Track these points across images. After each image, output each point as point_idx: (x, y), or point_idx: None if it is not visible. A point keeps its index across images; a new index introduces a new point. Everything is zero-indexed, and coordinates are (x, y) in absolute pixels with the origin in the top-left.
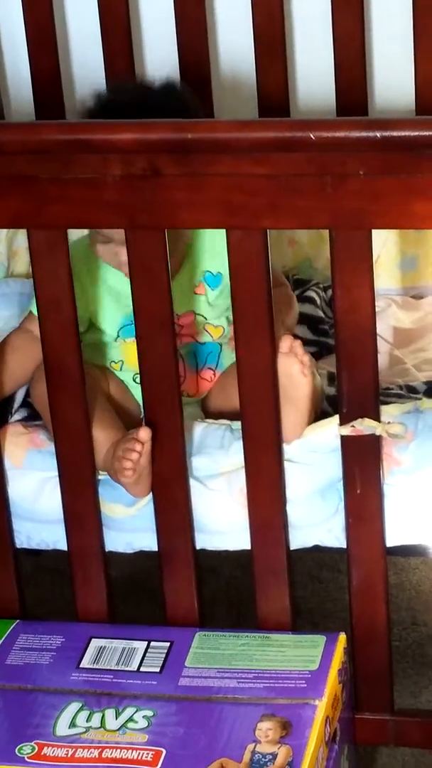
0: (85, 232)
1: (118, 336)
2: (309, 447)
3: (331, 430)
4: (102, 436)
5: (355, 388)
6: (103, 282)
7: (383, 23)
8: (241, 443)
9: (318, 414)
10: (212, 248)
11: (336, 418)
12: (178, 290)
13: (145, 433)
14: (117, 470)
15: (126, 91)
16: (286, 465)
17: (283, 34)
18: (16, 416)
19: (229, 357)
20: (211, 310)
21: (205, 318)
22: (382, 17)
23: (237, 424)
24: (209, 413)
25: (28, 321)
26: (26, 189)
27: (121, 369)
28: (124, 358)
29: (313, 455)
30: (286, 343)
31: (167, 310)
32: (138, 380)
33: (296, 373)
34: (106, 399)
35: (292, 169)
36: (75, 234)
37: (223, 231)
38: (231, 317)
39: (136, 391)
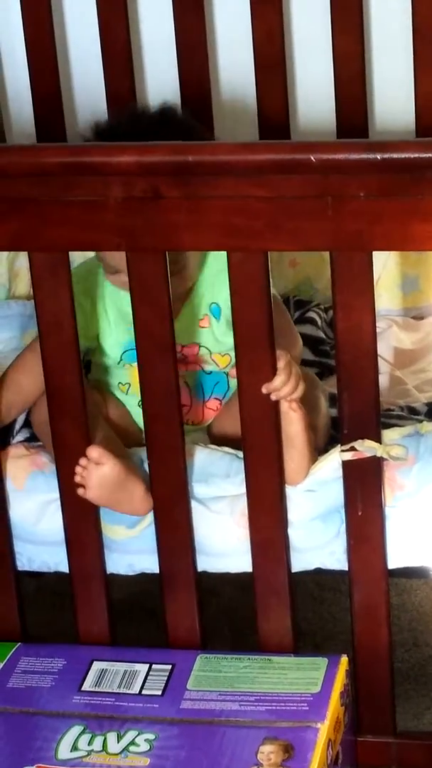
0: (88, 255)
1: (121, 359)
2: (313, 482)
3: (333, 461)
4: None
5: (356, 409)
6: (109, 304)
7: (383, 44)
8: None
9: (323, 446)
10: (218, 280)
11: (337, 450)
12: (183, 321)
13: (93, 452)
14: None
15: (123, 119)
16: (288, 490)
17: (284, 55)
18: (18, 437)
19: (235, 386)
20: (217, 344)
21: (209, 350)
22: (382, 38)
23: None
24: (213, 438)
25: (36, 342)
26: (27, 211)
27: (127, 392)
28: (131, 381)
29: (315, 484)
30: (282, 360)
31: (168, 332)
32: (141, 405)
33: (286, 410)
34: (106, 423)
35: (292, 191)
36: (76, 258)
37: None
38: None
39: (140, 416)
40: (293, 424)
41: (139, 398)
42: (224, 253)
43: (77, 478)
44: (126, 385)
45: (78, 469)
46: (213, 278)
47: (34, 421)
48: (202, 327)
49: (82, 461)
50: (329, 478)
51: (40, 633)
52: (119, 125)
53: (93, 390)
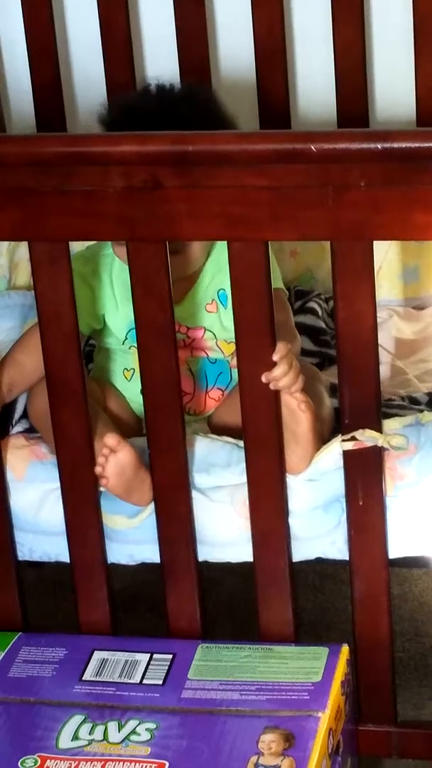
0: (88, 245)
1: (126, 339)
2: (314, 472)
3: (334, 451)
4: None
5: (357, 399)
6: (117, 282)
7: (384, 33)
8: None
9: (327, 437)
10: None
11: (338, 440)
12: (189, 304)
13: (110, 439)
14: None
15: (149, 99)
16: (289, 479)
17: (284, 44)
18: (18, 428)
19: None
20: (223, 331)
21: (214, 335)
22: (383, 27)
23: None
24: (214, 428)
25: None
26: (27, 201)
27: (131, 379)
28: (135, 367)
29: (316, 473)
30: (282, 351)
31: (169, 320)
32: None
33: (295, 408)
34: (104, 413)
35: (292, 180)
36: (75, 248)
37: None
38: None
39: (141, 405)
40: (302, 424)
41: None
42: None
43: (98, 470)
44: (131, 371)
45: (100, 459)
46: (222, 264)
47: (31, 412)
48: (209, 311)
49: (105, 451)
50: (330, 467)
51: (41, 623)
52: (146, 99)
53: (92, 381)
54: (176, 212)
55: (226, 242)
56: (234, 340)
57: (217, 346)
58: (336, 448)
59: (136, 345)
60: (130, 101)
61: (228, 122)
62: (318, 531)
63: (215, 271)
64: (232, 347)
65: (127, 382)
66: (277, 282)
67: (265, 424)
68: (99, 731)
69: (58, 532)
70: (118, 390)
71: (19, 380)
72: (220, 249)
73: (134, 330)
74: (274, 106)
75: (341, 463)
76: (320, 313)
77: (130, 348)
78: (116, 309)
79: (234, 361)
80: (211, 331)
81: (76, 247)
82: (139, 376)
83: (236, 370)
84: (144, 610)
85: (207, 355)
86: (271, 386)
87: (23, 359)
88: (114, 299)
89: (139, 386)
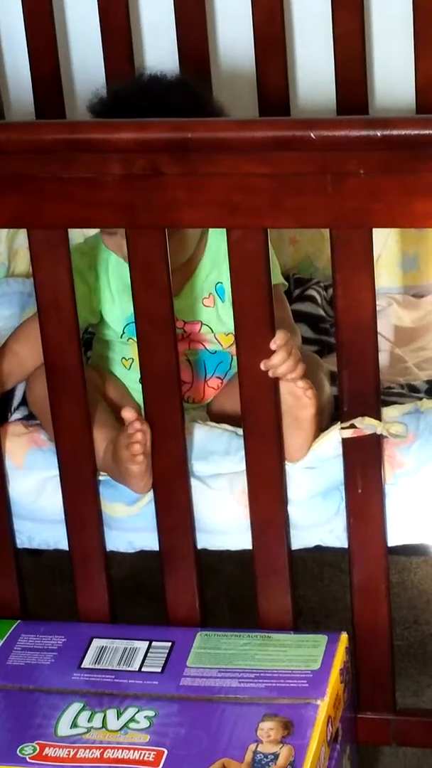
0: (87, 233)
1: (123, 333)
2: (313, 459)
3: (333, 438)
4: (101, 438)
5: (356, 386)
6: (113, 276)
7: (383, 21)
8: None
9: (326, 425)
10: (226, 261)
11: (337, 427)
12: (186, 298)
13: (129, 413)
14: (126, 459)
15: (138, 87)
16: (288, 467)
17: (284, 32)
18: (17, 415)
19: None
20: (221, 324)
21: (211, 329)
22: (383, 15)
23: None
24: (213, 415)
25: (33, 317)
26: (26, 188)
27: (130, 368)
28: (134, 356)
29: (315, 461)
30: (281, 339)
31: (168, 308)
32: None
33: (300, 395)
34: (104, 400)
35: (292, 168)
36: (75, 237)
37: None
38: None
39: (140, 393)
40: (306, 409)
41: None
42: None
43: (138, 447)
44: (129, 360)
45: (138, 436)
46: (219, 257)
47: (30, 399)
48: (206, 306)
49: (138, 430)
50: (329, 455)
51: (39, 610)
52: (135, 87)
53: (91, 369)
54: (175, 199)
55: (223, 233)
56: (232, 333)
57: (216, 339)
58: (335, 435)
59: (134, 337)
60: (120, 90)
61: (218, 113)
62: (317, 519)
63: (212, 265)
64: (231, 339)
65: (127, 371)
66: (276, 277)
67: (264, 412)
68: (98, 719)
69: (57, 519)
70: (117, 378)
71: (16, 370)
72: (218, 241)
73: (132, 324)
74: (273, 94)
75: (340, 450)
76: (319, 300)
77: (128, 340)
78: (113, 303)
79: (233, 349)
80: (208, 326)
81: (73, 240)
82: (137, 365)
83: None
84: (143, 598)
85: (205, 347)
86: (270, 374)
87: (19, 349)
88: (110, 293)
89: (138, 375)
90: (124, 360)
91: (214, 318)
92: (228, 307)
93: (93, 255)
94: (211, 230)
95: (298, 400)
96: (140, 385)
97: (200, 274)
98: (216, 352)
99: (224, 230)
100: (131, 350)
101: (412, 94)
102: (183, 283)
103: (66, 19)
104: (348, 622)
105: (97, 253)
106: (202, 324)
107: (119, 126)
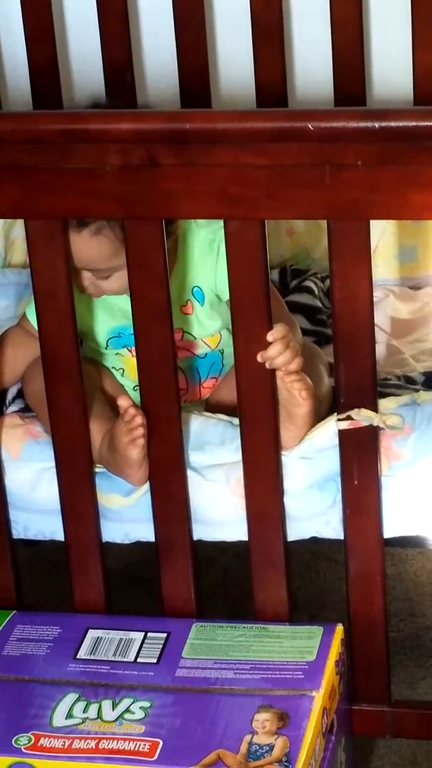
0: None
1: (107, 346)
2: (309, 448)
3: (329, 429)
4: (98, 430)
5: (353, 378)
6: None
7: (381, 12)
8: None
9: (324, 415)
10: (202, 263)
11: (334, 418)
12: None
13: (126, 401)
14: (125, 446)
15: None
16: (284, 458)
17: (281, 23)
18: (12, 407)
19: (231, 361)
20: (202, 328)
21: (193, 336)
22: (381, 6)
23: (238, 420)
24: (209, 406)
25: (24, 320)
26: (24, 179)
27: (123, 375)
28: (124, 367)
29: (311, 451)
30: (279, 331)
31: (165, 299)
32: (137, 389)
33: (295, 395)
34: (100, 393)
35: (290, 159)
36: None
37: (211, 246)
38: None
39: (134, 398)
40: (299, 408)
41: (134, 383)
42: (206, 238)
43: (139, 430)
44: (120, 370)
45: (138, 419)
46: (194, 263)
47: (26, 392)
48: (185, 313)
49: (131, 413)
50: (325, 445)
51: (35, 601)
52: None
53: (88, 362)
54: (173, 190)
55: (197, 241)
56: (216, 332)
57: (203, 342)
58: (331, 426)
59: (117, 351)
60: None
61: None
62: (313, 510)
63: (186, 270)
64: (217, 338)
65: (121, 377)
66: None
67: (260, 403)
68: (93, 709)
69: (53, 510)
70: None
71: (2, 373)
72: (189, 245)
73: (113, 339)
74: (271, 84)
75: (336, 441)
76: (316, 292)
77: (116, 354)
78: (94, 317)
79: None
80: (190, 333)
81: None
82: (129, 374)
83: (229, 357)
84: (138, 589)
85: (194, 353)
86: (267, 365)
87: (6, 352)
88: (91, 314)
89: (131, 383)
90: (114, 369)
91: (195, 324)
92: (207, 309)
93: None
94: (181, 235)
95: (292, 398)
96: (135, 393)
97: (174, 283)
98: (206, 355)
99: (196, 232)
100: (120, 361)
101: (411, 84)
102: None
103: (63, 8)
104: (344, 614)
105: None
106: (183, 332)
107: (117, 116)
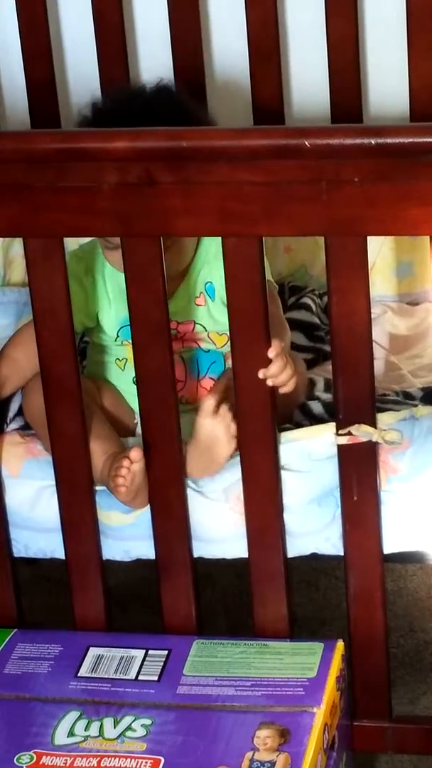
0: (82, 242)
1: (117, 336)
2: (304, 453)
3: (325, 437)
4: (98, 449)
5: (352, 394)
6: (109, 281)
7: (377, 30)
8: None
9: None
10: (216, 261)
11: (327, 427)
12: (179, 300)
13: (136, 453)
14: (112, 488)
15: (119, 99)
16: (283, 473)
17: (278, 41)
18: (13, 425)
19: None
20: (214, 323)
21: (204, 328)
22: (377, 24)
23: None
24: None
25: (30, 324)
26: (21, 197)
27: (124, 368)
28: (128, 357)
29: (309, 463)
30: (276, 348)
31: (163, 316)
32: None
33: (221, 435)
34: (101, 411)
35: (287, 176)
36: (69, 245)
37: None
38: None
39: (135, 396)
40: (224, 450)
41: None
42: None
43: (121, 480)
44: (123, 360)
45: (123, 471)
46: (210, 258)
47: (26, 410)
48: (198, 305)
49: (127, 463)
50: (322, 456)
51: (36, 619)
52: (115, 104)
53: (87, 379)
54: (170, 208)
55: (214, 238)
56: (226, 332)
57: (209, 338)
58: (328, 434)
59: (127, 340)
60: (105, 106)
61: (203, 117)
62: (312, 526)
63: (202, 265)
64: (224, 338)
65: (121, 372)
66: (267, 274)
67: (260, 418)
68: (95, 727)
69: (53, 528)
70: (112, 386)
71: (13, 376)
72: (208, 244)
73: (126, 327)
74: (267, 102)
75: (333, 452)
76: (314, 308)
77: (122, 343)
78: (109, 307)
79: (227, 350)
80: (201, 324)
81: (69, 245)
82: (131, 365)
83: (230, 361)
84: (139, 606)
85: (199, 345)
86: (268, 383)
87: (17, 355)
88: (107, 297)
89: (131, 375)
90: (118, 361)
91: (206, 316)
92: (218, 305)
93: (89, 259)
94: None
95: (216, 441)
96: (134, 387)
97: (192, 275)
98: (210, 351)
99: None
100: (125, 351)
101: (407, 101)
102: (177, 286)
103: (60, 28)
104: (344, 630)
105: (93, 257)
106: (195, 323)
107: (114, 135)
